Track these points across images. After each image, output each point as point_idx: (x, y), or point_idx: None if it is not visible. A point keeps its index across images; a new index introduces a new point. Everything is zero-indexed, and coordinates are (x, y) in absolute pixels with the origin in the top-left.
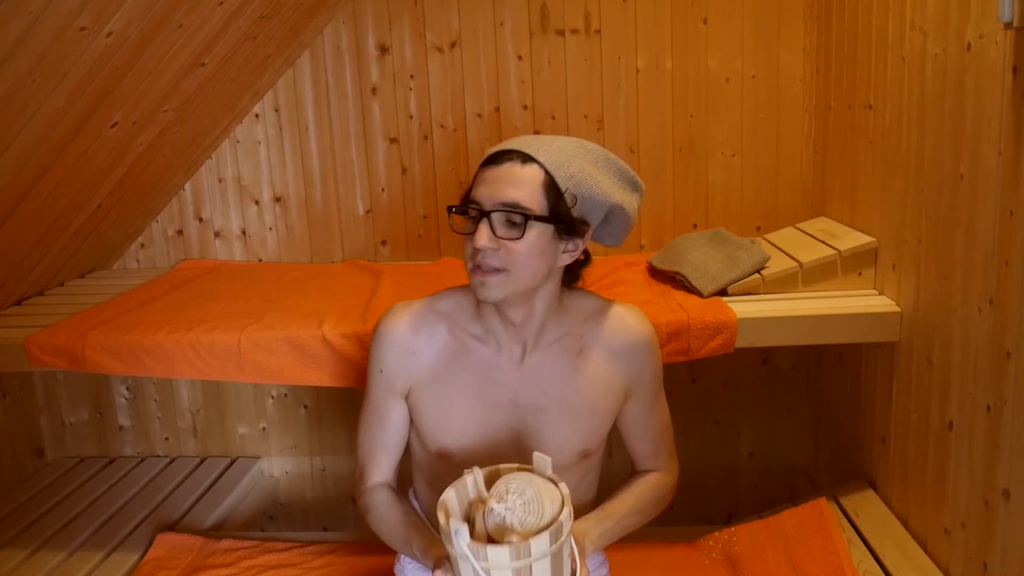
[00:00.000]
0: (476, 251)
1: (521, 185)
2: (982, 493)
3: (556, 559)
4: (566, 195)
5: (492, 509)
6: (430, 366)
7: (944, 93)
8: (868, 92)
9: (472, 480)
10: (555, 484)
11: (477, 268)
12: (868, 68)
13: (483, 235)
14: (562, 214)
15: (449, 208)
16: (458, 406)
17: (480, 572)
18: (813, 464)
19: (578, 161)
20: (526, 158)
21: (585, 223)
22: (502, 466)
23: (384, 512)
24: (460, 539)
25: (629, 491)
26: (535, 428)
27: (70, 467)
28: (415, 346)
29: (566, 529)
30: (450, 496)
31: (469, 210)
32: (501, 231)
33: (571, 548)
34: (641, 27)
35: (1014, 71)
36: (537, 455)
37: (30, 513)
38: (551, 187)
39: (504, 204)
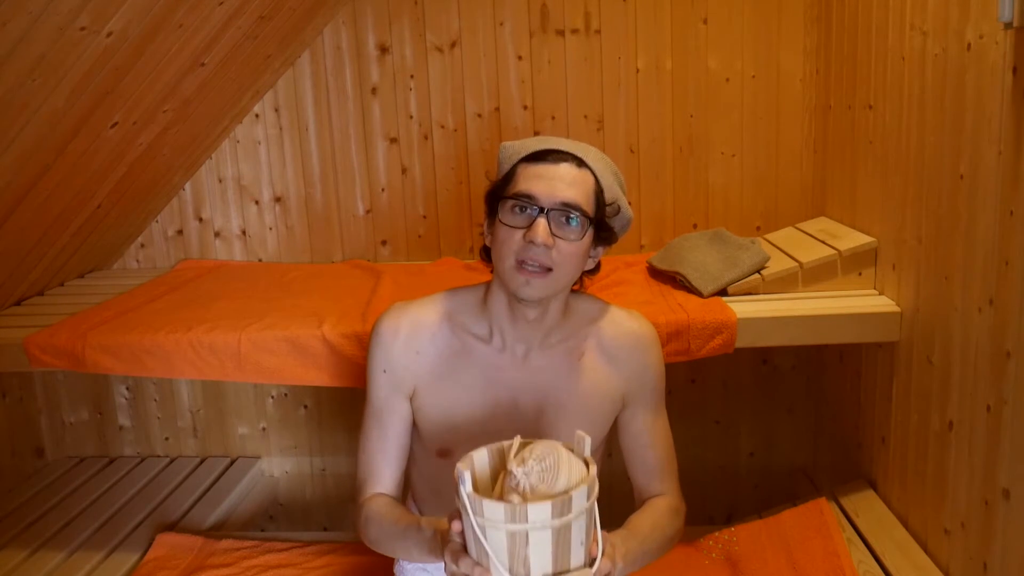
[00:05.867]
0: (526, 247)
1: (579, 187)
2: (982, 493)
3: (560, 536)
4: (611, 205)
5: (511, 472)
6: (433, 366)
7: (944, 93)
8: (868, 92)
9: (508, 445)
10: (586, 464)
11: (522, 265)
12: (868, 68)
13: (543, 231)
14: (604, 222)
15: (502, 197)
16: (461, 406)
17: (475, 528)
18: (813, 464)
19: (609, 173)
20: (580, 162)
21: (615, 233)
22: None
23: (384, 511)
24: (462, 486)
25: (646, 513)
26: (535, 430)
27: (70, 467)
28: (419, 345)
29: (576, 507)
30: (480, 454)
31: (520, 204)
32: (558, 230)
33: (588, 536)
34: (641, 27)
35: (1014, 71)
36: (579, 433)
37: (30, 513)
38: (599, 194)
39: (565, 204)
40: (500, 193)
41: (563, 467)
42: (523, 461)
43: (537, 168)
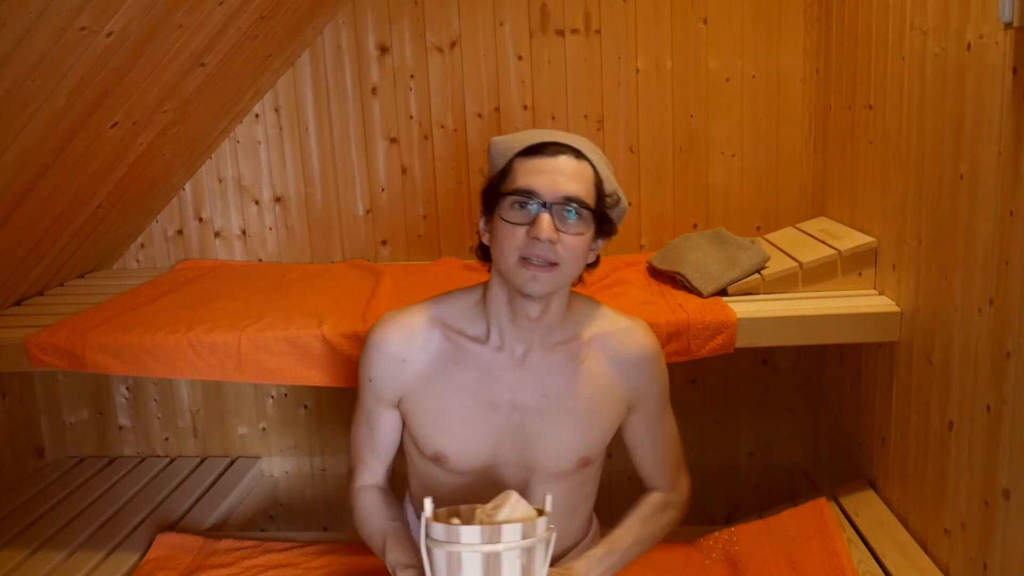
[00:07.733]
0: (530, 243)
1: (580, 180)
2: (982, 493)
3: (489, 563)
4: (611, 196)
5: (479, 513)
6: (423, 372)
7: (944, 93)
8: (868, 92)
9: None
10: (540, 514)
11: (527, 261)
12: (868, 68)
13: (548, 226)
14: (605, 214)
15: (502, 194)
16: (454, 408)
17: (423, 547)
18: (813, 464)
19: (604, 164)
20: (578, 154)
21: (615, 224)
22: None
23: (367, 516)
24: (424, 512)
25: (635, 517)
26: (534, 431)
27: (70, 467)
28: (406, 354)
29: (505, 537)
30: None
31: (521, 200)
32: (561, 224)
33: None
34: (641, 27)
35: (1014, 71)
36: (547, 497)
37: (30, 513)
38: (599, 186)
39: (567, 197)
40: (499, 189)
41: (506, 506)
42: (494, 506)
43: (535, 162)
